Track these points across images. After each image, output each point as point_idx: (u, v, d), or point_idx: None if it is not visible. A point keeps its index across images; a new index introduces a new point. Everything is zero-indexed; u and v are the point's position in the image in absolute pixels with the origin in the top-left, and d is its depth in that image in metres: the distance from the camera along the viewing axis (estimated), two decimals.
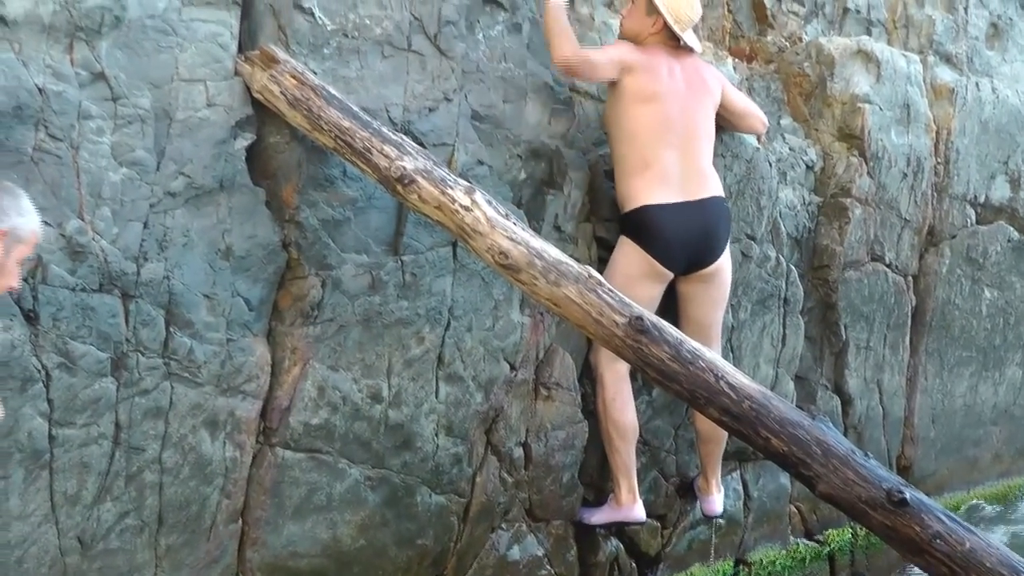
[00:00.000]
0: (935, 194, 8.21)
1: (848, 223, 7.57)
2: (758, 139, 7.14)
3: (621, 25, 6.49)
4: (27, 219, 4.01)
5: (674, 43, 6.44)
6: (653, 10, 6.35)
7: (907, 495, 5.10)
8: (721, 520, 7.14)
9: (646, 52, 6.35)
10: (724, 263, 6.54)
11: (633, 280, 6.21)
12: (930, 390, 8.44)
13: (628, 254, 6.35)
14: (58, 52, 4.76)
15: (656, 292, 6.38)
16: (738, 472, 7.36)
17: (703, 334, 6.38)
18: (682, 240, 6.33)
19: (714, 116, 6.59)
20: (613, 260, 6.41)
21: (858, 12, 8.08)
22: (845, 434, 7.56)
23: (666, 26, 6.36)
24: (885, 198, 7.79)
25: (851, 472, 5.20)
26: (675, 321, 6.31)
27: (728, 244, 6.56)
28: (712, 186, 6.46)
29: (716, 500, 6.91)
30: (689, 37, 6.46)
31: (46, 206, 4.70)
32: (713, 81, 6.63)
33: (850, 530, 7.96)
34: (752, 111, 6.89)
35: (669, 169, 6.31)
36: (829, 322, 7.67)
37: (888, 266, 7.91)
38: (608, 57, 6.28)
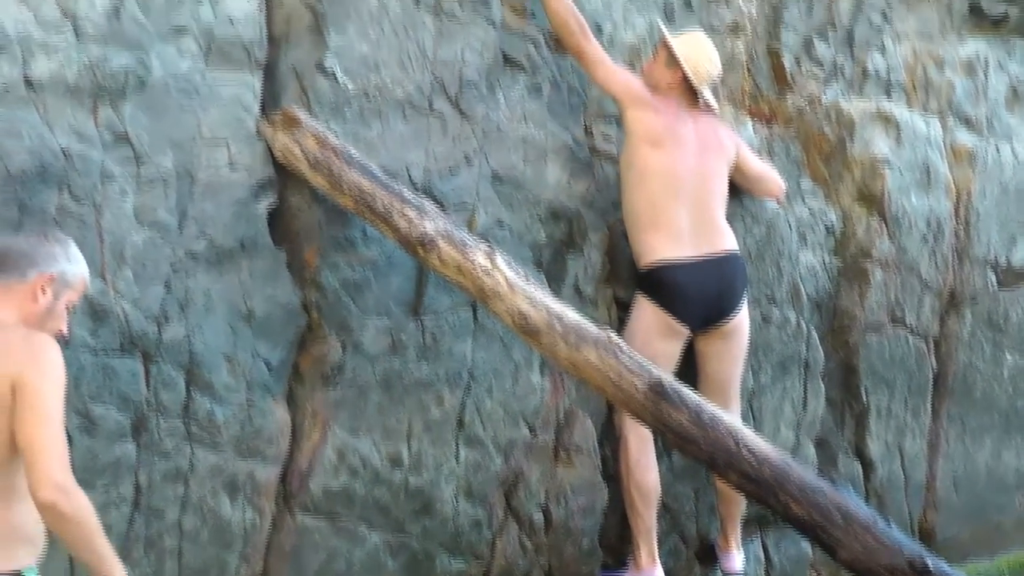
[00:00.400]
0: (956, 257, 8.18)
1: (869, 286, 7.54)
2: (777, 201, 7.14)
3: (641, 77, 6.50)
4: (75, 265, 4.07)
5: (692, 99, 6.47)
6: (673, 62, 6.38)
7: (930, 563, 5.06)
8: None
9: (662, 99, 6.38)
10: (741, 319, 6.52)
11: (651, 337, 6.22)
12: (952, 455, 8.38)
13: (644, 311, 6.34)
14: (82, 113, 4.78)
15: (674, 349, 6.35)
16: (758, 537, 7.30)
17: (722, 391, 6.38)
18: (698, 296, 6.31)
19: (727, 176, 6.58)
20: (631, 318, 6.40)
21: (878, 74, 8.07)
22: (866, 499, 7.51)
23: (685, 80, 6.38)
24: (906, 261, 7.76)
25: (872, 539, 5.15)
26: (694, 378, 6.29)
27: (745, 300, 6.54)
28: (727, 241, 6.45)
29: (735, 558, 6.86)
30: (707, 93, 6.48)
31: None
32: (728, 141, 6.63)
33: None
34: (769, 175, 6.89)
35: (681, 224, 6.30)
36: (850, 386, 7.62)
37: (909, 329, 7.86)
38: (624, 75, 6.32)
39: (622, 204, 6.41)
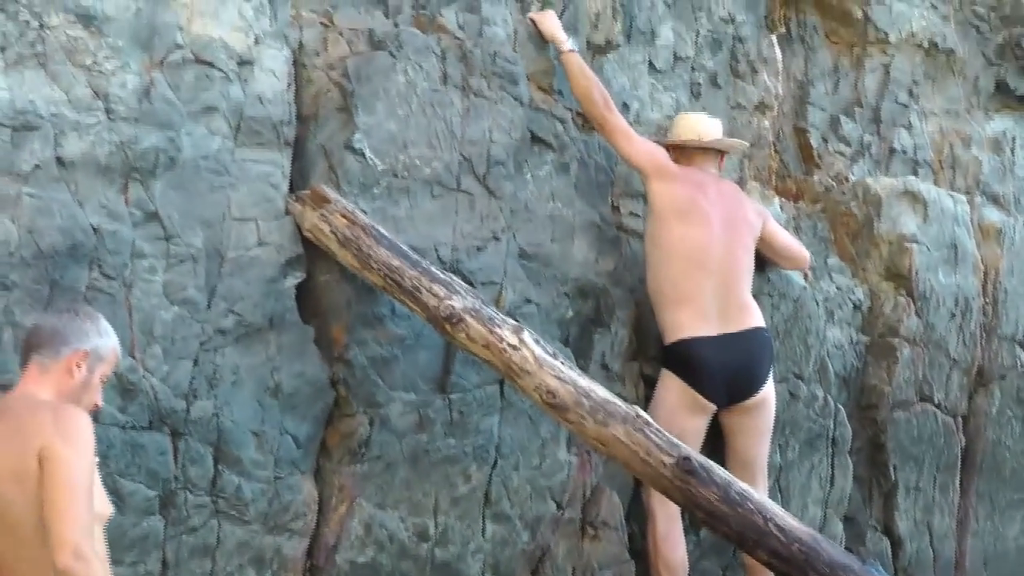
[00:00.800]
0: (984, 334, 8.16)
1: (896, 363, 7.53)
2: (805, 277, 7.14)
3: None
4: (106, 339, 4.11)
5: (710, 166, 6.52)
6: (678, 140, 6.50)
7: None
8: None
9: (685, 171, 6.40)
10: (768, 394, 6.50)
11: (676, 412, 6.18)
12: (981, 533, 8.33)
13: (670, 387, 6.32)
14: (113, 192, 4.83)
15: (700, 424, 6.33)
16: None
17: (748, 467, 6.35)
18: (723, 372, 6.29)
19: (754, 249, 6.58)
20: (656, 394, 6.38)
21: (904, 152, 8.10)
22: None
23: (691, 148, 6.45)
24: (933, 338, 7.75)
25: None
26: (720, 454, 6.28)
27: (772, 375, 6.53)
28: (752, 317, 6.44)
29: None
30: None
31: None
32: (754, 213, 6.64)
33: None
34: (795, 247, 6.90)
35: (708, 300, 6.29)
36: (878, 463, 7.60)
37: (937, 406, 7.84)
38: (647, 145, 6.36)
39: (647, 279, 6.41)
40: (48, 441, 3.77)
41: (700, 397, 6.27)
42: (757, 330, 6.43)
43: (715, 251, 6.33)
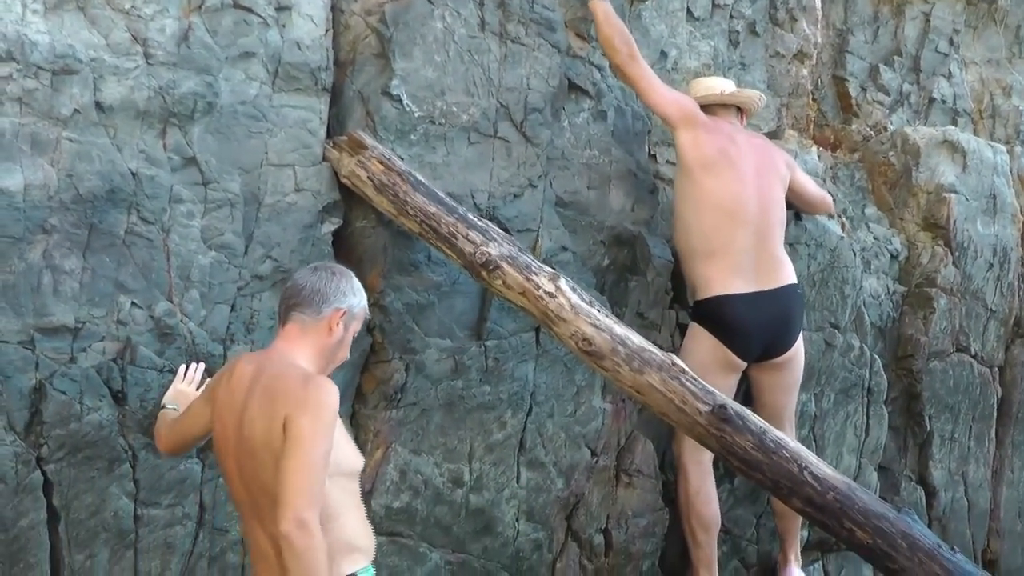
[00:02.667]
0: (1021, 285, 8.12)
1: (933, 313, 7.51)
2: (842, 227, 7.11)
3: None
4: (359, 297, 4.36)
5: (728, 119, 6.43)
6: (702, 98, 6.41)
7: None
8: None
9: (713, 119, 6.30)
10: (797, 349, 6.43)
11: (707, 369, 5.96)
12: (1016, 483, 8.31)
13: (701, 343, 6.24)
14: (151, 137, 4.85)
15: (731, 381, 6.27)
16: (820, 563, 7.28)
17: (776, 418, 6.28)
18: (757, 331, 6.22)
19: (784, 200, 6.46)
20: (685, 348, 6.28)
21: (944, 102, 8.06)
22: (929, 526, 7.43)
23: (711, 105, 6.39)
24: (971, 288, 7.72)
25: (938, 566, 5.13)
26: (748, 405, 6.27)
27: (801, 330, 6.48)
28: (786, 273, 6.33)
29: (795, 572, 6.78)
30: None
31: (136, 288, 4.79)
32: (782, 162, 6.52)
33: None
34: (821, 195, 6.82)
35: (742, 254, 6.18)
36: (913, 413, 7.59)
37: (974, 357, 7.82)
38: (673, 95, 6.24)
39: (675, 232, 6.36)
40: (292, 411, 3.95)
41: (731, 354, 6.20)
42: (791, 287, 6.33)
43: (749, 203, 6.22)
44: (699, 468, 6.31)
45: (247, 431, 4.04)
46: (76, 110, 4.66)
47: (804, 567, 6.92)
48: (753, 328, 6.20)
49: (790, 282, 6.33)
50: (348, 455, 4.18)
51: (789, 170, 6.54)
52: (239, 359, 4.30)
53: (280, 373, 4.09)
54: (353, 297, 4.30)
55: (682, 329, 6.52)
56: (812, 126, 7.58)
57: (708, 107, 6.36)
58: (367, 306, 4.41)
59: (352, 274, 4.38)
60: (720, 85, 6.47)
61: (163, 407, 4.61)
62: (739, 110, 6.50)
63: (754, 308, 6.19)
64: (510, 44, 5.91)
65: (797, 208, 6.74)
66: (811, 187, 6.75)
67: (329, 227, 5.37)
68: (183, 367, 4.77)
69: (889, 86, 7.86)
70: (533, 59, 5.98)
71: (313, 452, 3.91)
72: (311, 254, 5.27)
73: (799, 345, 6.44)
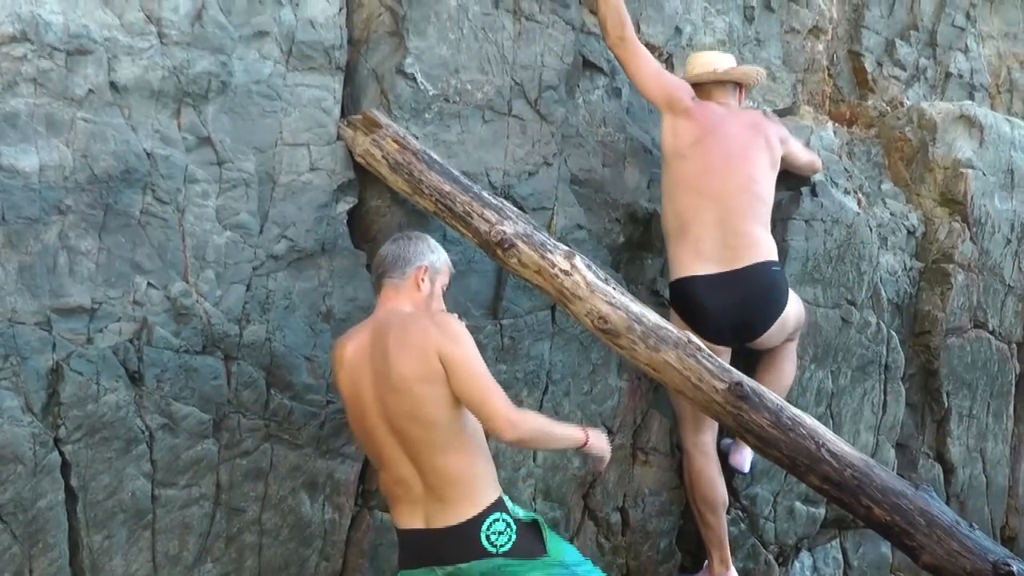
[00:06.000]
0: None
1: (950, 289, 7.48)
2: (858, 203, 7.08)
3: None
4: (439, 254, 4.99)
5: (729, 100, 6.35)
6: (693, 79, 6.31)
7: (1014, 568, 4.98)
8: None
9: (699, 104, 6.19)
10: (781, 324, 6.23)
11: None
12: None
13: (675, 326, 6.14)
14: (166, 117, 4.85)
15: None
16: (838, 540, 7.28)
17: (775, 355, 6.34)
18: (719, 314, 6.07)
19: (771, 179, 6.30)
20: None
21: (961, 77, 8.03)
22: (947, 503, 7.42)
23: (707, 83, 6.30)
24: (988, 264, 7.69)
25: (956, 543, 5.09)
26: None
27: (784, 308, 6.21)
28: (754, 253, 6.11)
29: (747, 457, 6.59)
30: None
31: (152, 269, 4.79)
32: (773, 136, 6.35)
33: None
34: (811, 158, 6.71)
35: (706, 236, 6.04)
36: (931, 389, 7.57)
37: (991, 333, 7.80)
38: (661, 79, 6.15)
39: (661, 217, 6.28)
40: (442, 346, 4.59)
41: (700, 339, 5.98)
42: (761, 265, 6.12)
43: (713, 182, 6.06)
44: (700, 451, 6.29)
45: (395, 375, 4.58)
46: (90, 90, 4.65)
47: (822, 545, 6.91)
48: (714, 311, 6.05)
49: (760, 260, 6.12)
50: None
51: (783, 144, 6.40)
52: (337, 344, 4.87)
53: (405, 322, 4.68)
54: (432, 254, 4.92)
55: None
56: (828, 102, 7.55)
57: (705, 84, 6.32)
58: (449, 260, 4.99)
59: (428, 236, 5.00)
60: (716, 61, 6.38)
61: None
62: (738, 86, 6.44)
63: (714, 290, 6.05)
64: (524, 21, 5.89)
65: (796, 174, 6.65)
66: (802, 156, 6.62)
67: (344, 206, 5.37)
68: None
69: (905, 61, 7.83)
70: (547, 36, 5.96)
71: (482, 367, 4.63)
72: (326, 233, 5.27)
73: (779, 323, 6.22)
